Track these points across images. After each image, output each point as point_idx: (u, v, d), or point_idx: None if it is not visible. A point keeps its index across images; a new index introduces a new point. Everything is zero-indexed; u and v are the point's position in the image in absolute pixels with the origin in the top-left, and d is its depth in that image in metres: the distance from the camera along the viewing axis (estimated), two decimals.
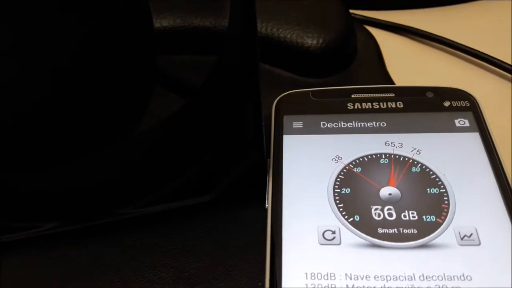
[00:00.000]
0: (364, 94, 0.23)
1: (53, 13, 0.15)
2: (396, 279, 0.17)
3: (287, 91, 0.23)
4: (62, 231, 0.21)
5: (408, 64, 0.29)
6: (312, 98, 0.23)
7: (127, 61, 0.17)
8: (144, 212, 0.21)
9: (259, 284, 0.18)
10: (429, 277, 0.17)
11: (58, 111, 0.17)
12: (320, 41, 0.26)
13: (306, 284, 0.17)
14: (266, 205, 0.20)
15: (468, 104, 0.22)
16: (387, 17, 0.31)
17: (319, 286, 0.17)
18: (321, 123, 0.22)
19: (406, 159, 0.20)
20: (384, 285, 0.17)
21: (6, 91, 0.16)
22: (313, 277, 0.17)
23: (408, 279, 0.17)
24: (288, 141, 0.22)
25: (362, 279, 0.17)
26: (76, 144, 0.18)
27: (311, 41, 0.26)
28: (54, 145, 0.18)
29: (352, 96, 0.23)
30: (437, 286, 0.16)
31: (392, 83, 0.27)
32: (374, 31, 0.30)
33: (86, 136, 0.18)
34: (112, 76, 0.17)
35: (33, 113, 0.17)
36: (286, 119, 0.22)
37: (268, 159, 0.21)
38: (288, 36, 0.26)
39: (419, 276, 0.17)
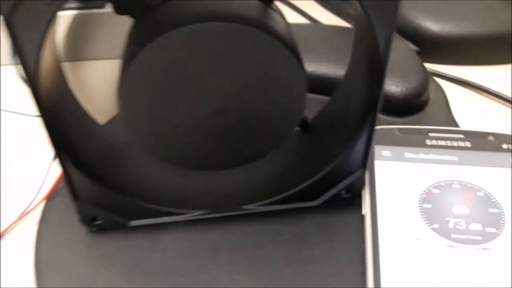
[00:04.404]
0: (440, 134, 0.29)
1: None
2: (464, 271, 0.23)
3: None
4: (206, 217, 0.27)
5: (468, 111, 0.35)
6: (397, 133, 0.30)
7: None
8: (264, 210, 0.28)
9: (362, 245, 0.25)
10: (490, 272, 0.23)
11: (237, 131, 0.24)
12: (403, 89, 0.32)
13: (399, 276, 0.23)
14: (363, 212, 0.27)
15: None
16: (452, 71, 0.38)
17: (411, 277, 0.23)
18: (405, 153, 0.29)
19: (473, 186, 0.27)
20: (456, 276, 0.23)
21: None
22: (405, 271, 0.23)
23: (473, 272, 0.23)
24: (379, 165, 0.28)
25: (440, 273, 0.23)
26: (243, 155, 0.25)
27: (395, 88, 0.32)
28: (230, 153, 0.25)
29: (430, 134, 0.30)
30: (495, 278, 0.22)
31: (458, 126, 0.33)
32: (441, 82, 0.37)
33: (252, 148, 0.25)
34: (271, 109, 0.24)
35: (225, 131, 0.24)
36: (377, 148, 0.29)
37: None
38: None
39: (482, 271, 0.23)
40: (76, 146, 0.25)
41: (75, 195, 0.25)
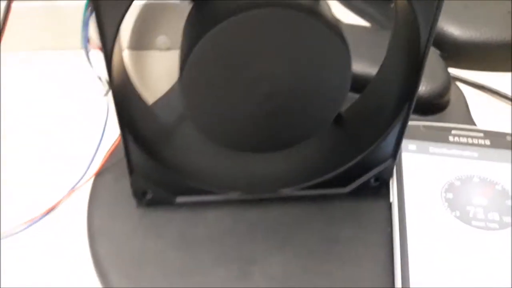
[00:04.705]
0: (462, 132, 0.32)
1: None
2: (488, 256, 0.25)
3: None
4: (244, 198, 0.30)
5: (485, 114, 0.38)
6: (422, 129, 0.32)
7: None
8: (298, 194, 0.30)
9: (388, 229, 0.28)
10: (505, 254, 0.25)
11: (283, 115, 0.26)
12: (428, 89, 0.35)
13: (425, 257, 0.26)
14: (391, 200, 0.29)
15: None
16: (472, 76, 0.40)
17: (435, 259, 0.26)
18: (430, 147, 0.31)
19: (492, 179, 0.29)
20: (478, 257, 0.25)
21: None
22: (429, 253, 0.26)
23: (490, 254, 0.25)
24: (406, 157, 0.31)
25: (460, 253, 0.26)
26: (286, 139, 0.28)
27: (420, 88, 0.35)
28: (275, 137, 0.27)
29: (452, 131, 0.32)
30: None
31: (475, 125, 0.35)
32: (461, 86, 0.39)
33: (295, 133, 0.27)
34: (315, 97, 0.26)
35: (271, 115, 0.26)
36: (404, 141, 0.31)
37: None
38: None
39: (498, 253, 0.25)
40: (134, 122, 0.27)
41: (131, 169, 0.28)
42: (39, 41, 0.42)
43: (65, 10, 0.40)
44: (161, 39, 0.40)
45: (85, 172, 0.32)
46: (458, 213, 0.27)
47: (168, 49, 0.41)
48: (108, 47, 0.23)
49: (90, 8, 0.23)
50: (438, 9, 0.23)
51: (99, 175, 0.32)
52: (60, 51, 0.42)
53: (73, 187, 0.32)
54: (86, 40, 0.26)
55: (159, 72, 0.38)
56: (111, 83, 0.24)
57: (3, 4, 0.35)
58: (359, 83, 0.31)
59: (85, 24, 0.25)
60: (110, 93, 0.25)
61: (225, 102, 0.26)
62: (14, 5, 0.33)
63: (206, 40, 0.23)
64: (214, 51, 0.24)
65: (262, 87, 0.25)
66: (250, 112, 0.26)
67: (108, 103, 0.30)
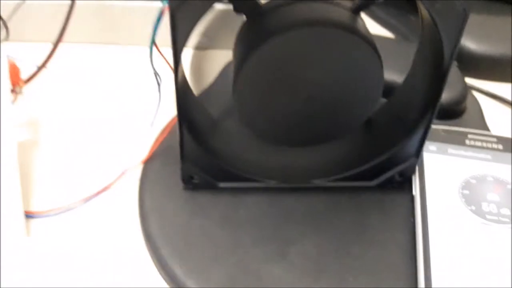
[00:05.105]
0: (477, 136, 0.35)
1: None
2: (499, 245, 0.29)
3: None
4: (280, 187, 0.33)
5: (499, 121, 0.41)
6: (442, 133, 0.36)
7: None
8: (329, 185, 0.34)
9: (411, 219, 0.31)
10: None
11: (322, 115, 0.30)
12: (447, 96, 0.38)
13: (444, 242, 0.29)
14: (413, 193, 0.33)
15: None
16: (486, 86, 0.44)
17: (453, 244, 0.29)
18: (448, 149, 0.35)
19: (504, 179, 0.33)
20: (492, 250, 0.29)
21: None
22: (447, 240, 0.29)
23: (502, 244, 0.29)
24: (427, 156, 0.34)
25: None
26: (324, 136, 0.31)
27: None
28: (314, 133, 0.31)
29: (469, 136, 0.36)
30: None
31: (489, 131, 0.39)
32: (477, 95, 0.43)
33: (331, 131, 0.31)
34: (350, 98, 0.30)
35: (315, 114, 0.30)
36: (425, 143, 0.35)
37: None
38: None
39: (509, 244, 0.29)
40: (189, 115, 0.31)
41: (183, 155, 0.31)
42: (94, 36, 0.45)
43: (116, 9, 0.44)
44: (202, 40, 0.43)
45: (136, 158, 0.35)
46: (473, 208, 0.31)
47: (206, 49, 0.44)
48: (178, 48, 0.26)
49: (163, 12, 0.27)
50: (460, 31, 0.27)
51: (148, 161, 0.35)
52: (111, 45, 0.46)
53: (124, 171, 0.35)
54: (153, 40, 0.29)
55: (203, 70, 0.42)
56: (176, 80, 0.28)
57: (60, 2, 0.39)
58: (384, 89, 0.35)
59: (156, 27, 0.28)
60: (160, 88, 0.29)
61: (271, 105, 0.29)
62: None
63: (255, 56, 0.27)
64: (263, 64, 0.27)
65: (304, 92, 0.29)
66: (293, 113, 0.30)
67: (159, 97, 0.34)
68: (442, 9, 0.26)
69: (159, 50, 0.30)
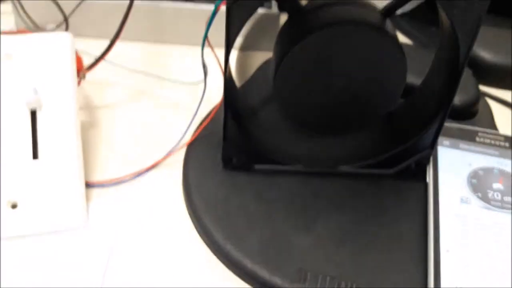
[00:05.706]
0: (486, 135, 0.39)
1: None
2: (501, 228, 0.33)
3: None
4: (309, 171, 0.38)
5: (506, 123, 0.45)
6: (455, 130, 0.40)
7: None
8: (352, 171, 0.38)
9: (424, 202, 0.35)
10: None
11: (352, 106, 0.34)
12: (461, 98, 0.42)
13: (452, 223, 0.33)
14: (427, 180, 0.37)
15: None
16: (497, 93, 0.48)
17: (460, 225, 0.33)
18: (460, 144, 0.39)
19: (508, 172, 0.37)
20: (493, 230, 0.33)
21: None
22: (455, 220, 0.33)
23: (505, 228, 0.33)
24: (441, 149, 0.38)
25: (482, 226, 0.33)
26: (353, 124, 0.35)
27: (455, 98, 0.42)
28: (344, 122, 0.35)
29: (479, 134, 0.40)
30: None
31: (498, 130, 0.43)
32: (488, 100, 0.47)
33: (359, 120, 0.35)
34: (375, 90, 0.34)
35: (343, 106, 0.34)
36: (440, 138, 0.39)
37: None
38: None
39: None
40: (233, 103, 0.35)
41: (225, 137, 0.36)
42: (142, 34, 0.50)
43: (166, 10, 0.49)
44: (243, 41, 0.48)
45: (179, 141, 0.40)
46: (480, 194, 0.35)
47: (246, 50, 0.49)
48: (231, 39, 0.31)
49: (218, 8, 0.31)
50: (474, 35, 0.31)
51: (191, 144, 0.40)
52: (160, 44, 0.51)
53: (171, 151, 0.39)
54: (206, 35, 0.34)
55: (243, 67, 0.46)
56: (225, 71, 0.32)
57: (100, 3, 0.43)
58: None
59: (210, 22, 0.33)
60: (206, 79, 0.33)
61: (307, 95, 0.34)
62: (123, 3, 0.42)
63: (296, 49, 0.31)
64: (302, 57, 0.32)
65: (336, 84, 0.33)
66: (325, 103, 0.34)
67: (204, 87, 0.38)
68: (460, 13, 0.30)
69: (209, 44, 0.35)
